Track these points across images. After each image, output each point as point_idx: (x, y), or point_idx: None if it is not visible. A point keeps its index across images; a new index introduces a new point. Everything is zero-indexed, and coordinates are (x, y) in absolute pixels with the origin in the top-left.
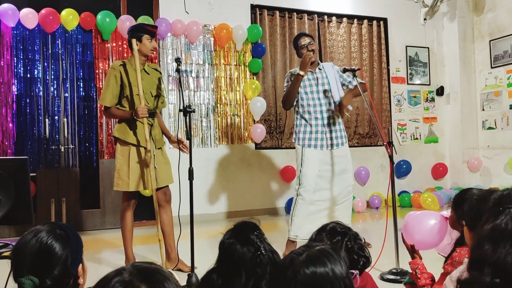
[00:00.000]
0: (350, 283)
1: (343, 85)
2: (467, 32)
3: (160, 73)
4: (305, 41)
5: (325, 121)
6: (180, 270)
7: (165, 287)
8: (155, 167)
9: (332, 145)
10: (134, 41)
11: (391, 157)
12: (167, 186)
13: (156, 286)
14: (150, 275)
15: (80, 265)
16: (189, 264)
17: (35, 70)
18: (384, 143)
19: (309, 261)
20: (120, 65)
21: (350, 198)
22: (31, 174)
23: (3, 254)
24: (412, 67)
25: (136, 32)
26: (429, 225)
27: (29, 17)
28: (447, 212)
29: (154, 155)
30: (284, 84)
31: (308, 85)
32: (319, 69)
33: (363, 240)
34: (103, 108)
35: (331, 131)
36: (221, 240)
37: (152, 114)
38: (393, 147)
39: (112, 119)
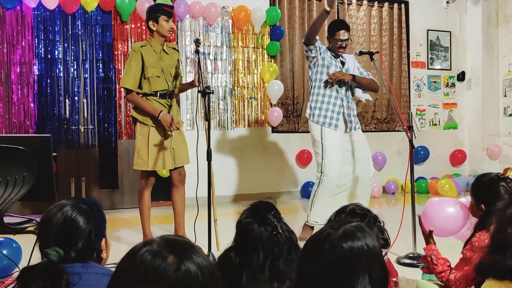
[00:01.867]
0: (383, 260)
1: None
2: (491, 16)
3: (179, 52)
4: (344, 36)
5: (344, 102)
6: None
7: (192, 258)
8: (173, 147)
9: (350, 128)
10: (151, 22)
11: (411, 141)
12: (183, 166)
13: (184, 257)
14: (179, 246)
15: (104, 239)
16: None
17: (56, 51)
18: (404, 128)
19: (346, 236)
20: (141, 46)
21: (370, 186)
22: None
23: (28, 229)
24: (433, 51)
25: (153, 13)
26: (450, 213)
27: None
28: (466, 200)
29: (172, 135)
30: (318, 44)
31: (334, 64)
32: (341, 61)
33: (382, 223)
34: (124, 91)
35: (349, 114)
36: (238, 219)
37: (171, 94)
38: (412, 132)
39: None
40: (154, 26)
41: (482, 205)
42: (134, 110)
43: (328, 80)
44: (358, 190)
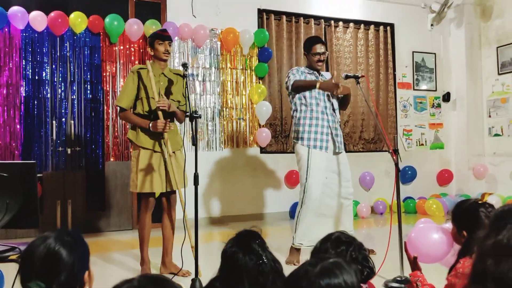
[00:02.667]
0: None
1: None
2: (474, 39)
3: (181, 76)
4: (321, 49)
5: (330, 123)
6: (174, 274)
7: None
8: (166, 170)
9: (338, 148)
10: (149, 49)
11: (396, 164)
12: (175, 191)
13: None
14: (159, 284)
15: (87, 272)
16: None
17: (43, 72)
18: (390, 151)
19: (324, 273)
20: (139, 68)
21: (351, 205)
22: (38, 175)
23: (10, 257)
24: (418, 72)
25: (150, 39)
26: (435, 239)
27: (38, 19)
28: (449, 226)
29: (165, 159)
30: (290, 75)
31: (317, 90)
32: (321, 76)
33: (367, 251)
34: (118, 110)
35: (336, 135)
36: (223, 248)
37: (167, 117)
38: (398, 155)
39: (126, 122)
40: (151, 51)
41: (464, 232)
42: (130, 132)
43: (336, 94)
44: (342, 211)
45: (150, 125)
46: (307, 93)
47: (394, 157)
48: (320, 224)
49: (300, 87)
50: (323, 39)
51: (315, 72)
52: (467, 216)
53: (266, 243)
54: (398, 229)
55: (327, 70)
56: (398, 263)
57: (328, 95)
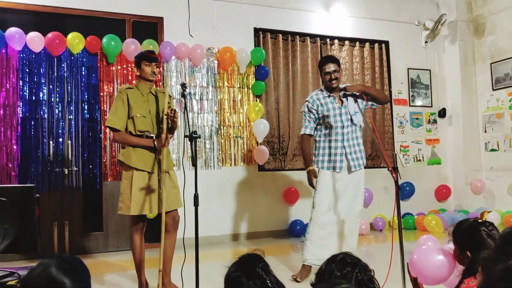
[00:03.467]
0: None
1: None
2: (468, 55)
3: (170, 96)
4: (329, 68)
5: (345, 143)
6: None
7: None
8: (159, 191)
9: (350, 167)
10: (135, 69)
11: (396, 182)
12: (176, 210)
13: None
14: None
15: None
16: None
17: (40, 93)
18: (389, 169)
19: None
20: (127, 88)
21: (358, 224)
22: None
23: (8, 283)
24: (414, 89)
25: (136, 59)
26: (437, 261)
27: (36, 40)
28: (450, 246)
29: (159, 179)
30: (301, 110)
31: (332, 108)
32: (344, 94)
33: (372, 272)
34: (111, 132)
35: (350, 153)
36: (226, 273)
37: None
38: (398, 173)
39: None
40: (137, 71)
41: (468, 252)
42: (121, 153)
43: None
44: (347, 230)
45: (155, 142)
46: (325, 112)
47: (394, 175)
48: (324, 242)
49: (302, 153)
50: (319, 57)
51: (331, 94)
52: (469, 237)
53: (269, 266)
54: (399, 248)
55: None
56: (401, 282)
57: (347, 113)
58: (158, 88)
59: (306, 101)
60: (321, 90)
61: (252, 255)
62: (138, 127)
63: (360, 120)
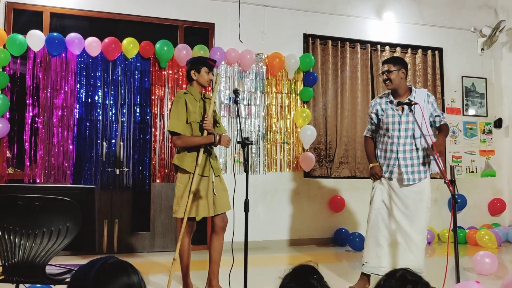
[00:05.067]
0: None
1: (431, 120)
2: None
3: (214, 102)
4: (383, 68)
5: (400, 155)
6: None
7: None
8: (214, 194)
9: (403, 179)
10: (192, 72)
11: (453, 195)
12: (225, 213)
13: None
14: None
15: None
16: None
17: (96, 96)
18: (446, 181)
19: None
20: (184, 93)
21: (422, 241)
22: None
23: (67, 280)
24: (468, 97)
25: (196, 63)
26: None
27: (93, 45)
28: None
29: (213, 182)
30: (368, 111)
31: (391, 115)
32: (409, 99)
33: None
34: (173, 136)
35: (406, 166)
36: (280, 284)
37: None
38: (455, 186)
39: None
40: (195, 75)
41: None
42: (176, 157)
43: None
44: (399, 247)
45: (216, 140)
46: (384, 118)
47: (452, 188)
48: (378, 251)
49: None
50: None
51: (392, 97)
52: None
53: (324, 278)
54: (455, 265)
55: (373, 96)
56: None
57: (413, 122)
58: (206, 93)
59: (370, 103)
60: (387, 94)
61: (306, 266)
62: (195, 132)
63: (424, 131)
